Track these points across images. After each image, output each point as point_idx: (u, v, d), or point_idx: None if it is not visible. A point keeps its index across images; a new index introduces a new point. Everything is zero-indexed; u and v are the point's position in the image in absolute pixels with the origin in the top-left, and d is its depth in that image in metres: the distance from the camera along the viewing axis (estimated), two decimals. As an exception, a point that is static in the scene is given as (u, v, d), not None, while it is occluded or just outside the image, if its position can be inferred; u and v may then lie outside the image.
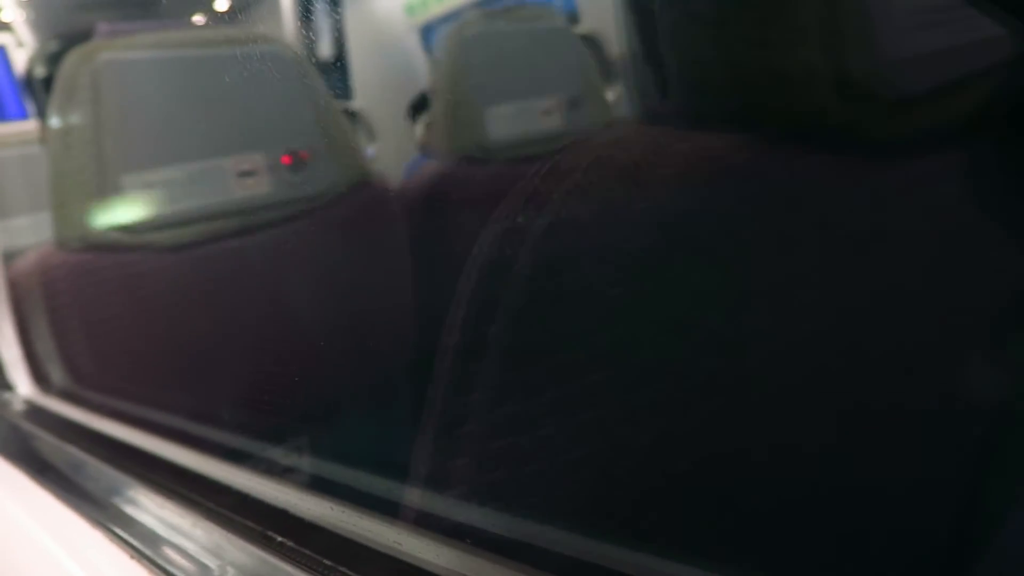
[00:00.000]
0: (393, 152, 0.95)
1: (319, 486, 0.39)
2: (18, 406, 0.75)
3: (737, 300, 0.27)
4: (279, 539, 0.33)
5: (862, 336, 0.27)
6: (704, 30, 0.28)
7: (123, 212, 0.66)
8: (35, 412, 0.72)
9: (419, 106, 0.92)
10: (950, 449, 0.26)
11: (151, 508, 0.42)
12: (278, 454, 0.51)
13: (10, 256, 0.79)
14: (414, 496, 0.32)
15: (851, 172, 0.27)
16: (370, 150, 0.94)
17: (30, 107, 1.03)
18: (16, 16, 1.06)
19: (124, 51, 0.67)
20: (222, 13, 0.80)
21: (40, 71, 0.92)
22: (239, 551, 0.34)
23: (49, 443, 0.62)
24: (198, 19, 0.78)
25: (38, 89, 0.93)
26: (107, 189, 0.66)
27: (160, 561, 0.36)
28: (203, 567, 0.35)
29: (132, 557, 0.37)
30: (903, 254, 0.27)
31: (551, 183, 0.28)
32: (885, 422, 0.27)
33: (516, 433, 0.28)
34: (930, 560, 0.26)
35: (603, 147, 0.29)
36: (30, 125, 1.03)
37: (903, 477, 0.27)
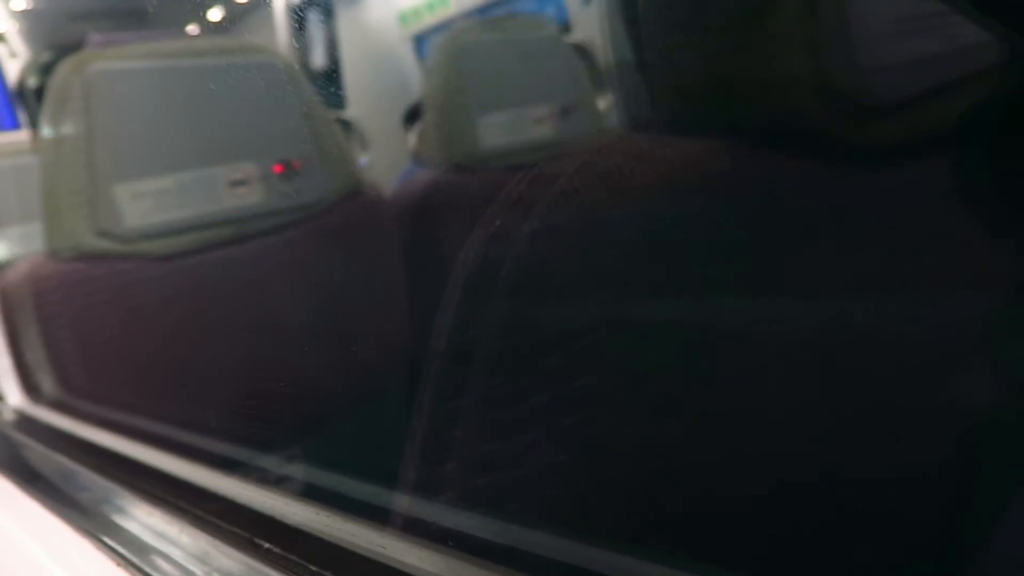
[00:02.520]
0: (387, 161, 0.96)
1: (309, 493, 0.39)
2: (8, 416, 0.74)
3: (722, 305, 0.27)
4: (266, 545, 0.33)
5: (848, 338, 0.27)
6: (687, 38, 0.29)
7: (115, 221, 0.66)
8: (25, 422, 0.71)
9: (413, 115, 0.93)
10: (943, 451, 0.26)
11: (139, 516, 0.42)
12: (270, 463, 0.51)
13: (1, 267, 0.79)
14: (403, 501, 0.32)
15: (832, 178, 0.27)
16: (363, 159, 0.95)
17: (23, 117, 1.03)
18: (9, 27, 1.06)
19: (116, 61, 0.67)
20: (215, 24, 0.80)
21: (33, 81, 0.92)
22: (226, 557, 0.34)
23: (38, 452, 0.61)
24: (191, 30, 0.78)
25: (30, 99, 0.93)
26: (99, 198, 0.66)
27: (147, 568, 0.36)
28: (190, 574, 0.34)
29: (119, 565, 0.37)
30: (886, 258, 0.27)
31: (537, 189, 0.28)
32: (875, 425, 0.27)
33: (504, 438, 0.29)
34: (925, 562, 0.26)
35: (588, 154, 0.29)
36: (23, 135, 1.03)
37: (895, 479, 0.27)
